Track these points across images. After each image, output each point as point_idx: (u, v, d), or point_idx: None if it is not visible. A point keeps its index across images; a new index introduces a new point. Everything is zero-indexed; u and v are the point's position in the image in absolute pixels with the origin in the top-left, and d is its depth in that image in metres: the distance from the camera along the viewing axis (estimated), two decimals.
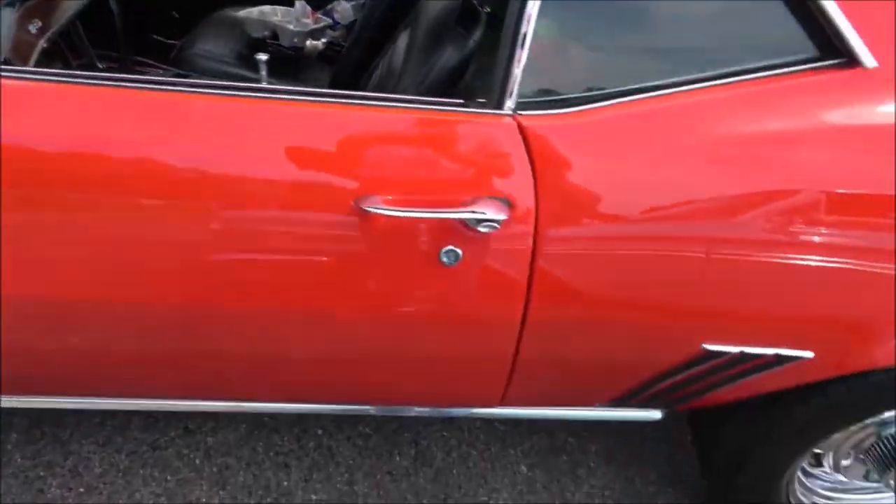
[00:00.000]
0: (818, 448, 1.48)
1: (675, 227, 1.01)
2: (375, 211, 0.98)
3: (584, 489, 1.74)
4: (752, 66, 0.99)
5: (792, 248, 1.02)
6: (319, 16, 2.14)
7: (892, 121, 0.99)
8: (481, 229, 0.98)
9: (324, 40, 2.12)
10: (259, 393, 1.38)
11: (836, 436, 1.40)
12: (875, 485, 1.53)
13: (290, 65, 2.04)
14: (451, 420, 1.85)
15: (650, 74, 1.00)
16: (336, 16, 2.18)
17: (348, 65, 1.81)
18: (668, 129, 1.00)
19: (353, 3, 2.16)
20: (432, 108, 1.01)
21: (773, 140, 1.00)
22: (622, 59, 1.02)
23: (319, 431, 1.79)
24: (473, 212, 0.98)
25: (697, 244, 1.03)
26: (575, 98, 0.99)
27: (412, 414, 1.49)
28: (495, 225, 0.97)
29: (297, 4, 2.06)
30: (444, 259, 1.03)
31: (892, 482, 1.40)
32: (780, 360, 1.09)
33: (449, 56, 1.20)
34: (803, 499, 1.51)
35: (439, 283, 1.05)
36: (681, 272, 1.04)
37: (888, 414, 1.38)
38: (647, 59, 1.03)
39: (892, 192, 0.99)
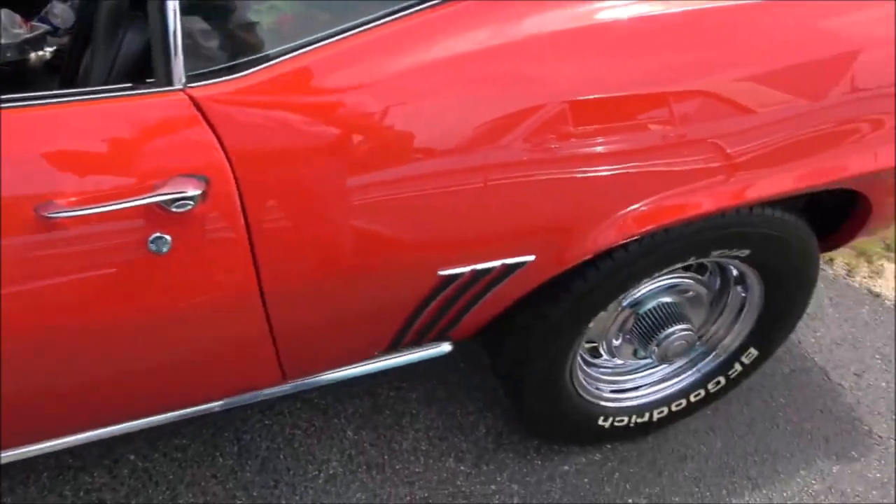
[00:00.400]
0: (591, 339, 1.63)
1: (383, 173, 1.05)
2: (60, 216, 0.93)
3: (410, 436, 1.80)
4: None
5: (498, 167, 1.09)
6: (35, 23, 1.96)
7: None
8: (178, 209, 0.96)
9: (49, 49, 1.95)
10: (43, 431, 1.29)
11: (602, 318, 1.55)
12: (646, 361, 1.71)
13: (16, 80, 1.87)
14: (272, 406, 1.84)
15: (319, 26, 1.02)
16: (55, 21, 2.01)
17: (71, 68, 1.69)
18: (346, 75, 1.02)
19: (69, 2, 2.00)
20: (102, 97, 0.96)
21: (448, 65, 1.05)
22: (286, 14, 1.03)
23: (132, 456, 1.71)
24: (166, 193, 0.95)
25: (411, 182, 1.07)
26: (246, 62, 0.99)
27: (216, 410, 1.45)
28: (190, 203, 0.96)
29: (2, 14, 1.88)
30: (154, 248, 0.99)
31: (654, 351, 1.57)
32: (509, 269, 1.17)
33: (130, 41, 1.15)
34: (590, 387, 1.66)
35: (160, 274, 1.02)
36: (402, 210, 1.08)
37: (636, 293, 1.55)
38: (313, 9, 1.04)
39: (568, 99, 1.09)
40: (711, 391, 1.76)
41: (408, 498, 1.67)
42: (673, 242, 1.32)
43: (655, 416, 1.76)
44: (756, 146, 1.18)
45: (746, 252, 1.42)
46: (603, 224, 1.14)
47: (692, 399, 1.76)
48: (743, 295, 1.65)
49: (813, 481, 1.78)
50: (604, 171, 1.11)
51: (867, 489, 1.77)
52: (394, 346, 1.32)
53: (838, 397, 1.99)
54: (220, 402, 1.41)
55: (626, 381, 1.72)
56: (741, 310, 1.68)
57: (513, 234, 1.13)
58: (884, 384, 2.04)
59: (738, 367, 1.73)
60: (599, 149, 1.09)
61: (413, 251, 1.12)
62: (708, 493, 1.73)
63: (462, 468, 1.74)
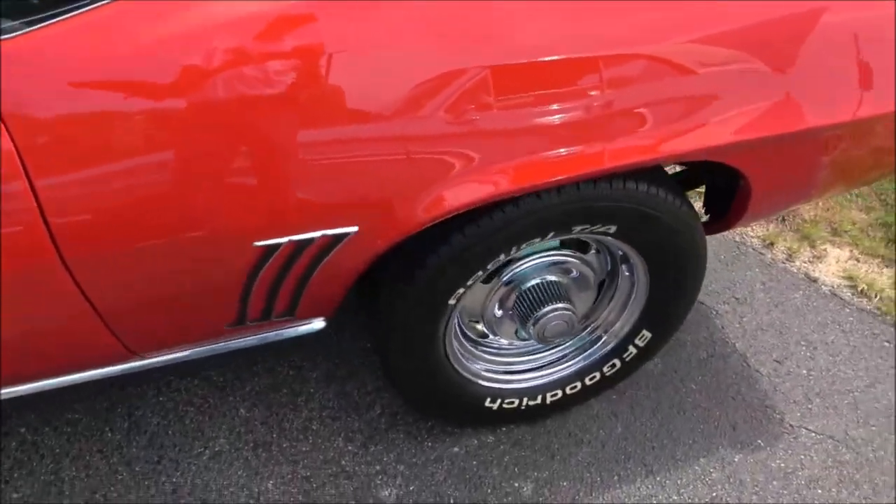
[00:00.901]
0: (475, 318, 1.60)
1: (177, 137, 1.02)
2: None
3: (304, 415, 1.78)
4: None
5: (315, 143, 1.06)
6: None
7: None
8: None
9: None
10: None
11: (478, 295, 1.53)
12: (531, 343, 1.67)
13: None
14: (169, 384, 1.83)
15: None
16: None
17: None
18: (102, 40, 0.99)
19: None
20: None
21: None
22: None
23: (22, 429, 1.72)
24: None
25: (211, 149, 1.04)
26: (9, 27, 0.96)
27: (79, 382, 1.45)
28: None
29: None
30: None
31: (532, 330, 1.53)
32: (333, 240, 1.14)
33: None
34: (473, 366, 1.62)
35: None
36: (205, 179, 1.04)
37: (516, 270, 1.51)
38: None
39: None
40: (607, 374, 1.71)
41: (289, 476, 1.65)
42: (526, 217, 1.27)
43: (549, 398, 1.72)
44: (595, 115, 1.13)
45: (614, 228, 1.37)
46: (423, 198, 1.10)
47: (588, 382, 1.72)
48: (628, 275, 1.59)
49: (712, 469, 1.72)
50: (420, 142, 1.07)
51: (768, 479, 1.71)
52: (240, 322, 1.30)
53: (754, 384, 1.93)
54: (79, 376, 1.41)
55: (516, 362, 1.68)
56: (631, 292, 1.63)
57: (330, 204, 1.09)
58: (804, 371, 1.98)
59: (632, 349, 1.68)
60: (415, 120, 1.05)
61: (226, 222, 1.09)
62: (599, 479, 1.69)
63: (350, 448, 1.72)
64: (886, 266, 2.36)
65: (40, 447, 1.68)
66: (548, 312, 1.50)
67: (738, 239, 2.41)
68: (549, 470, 1.70)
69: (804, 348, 2.04)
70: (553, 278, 1.54)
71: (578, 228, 1.35)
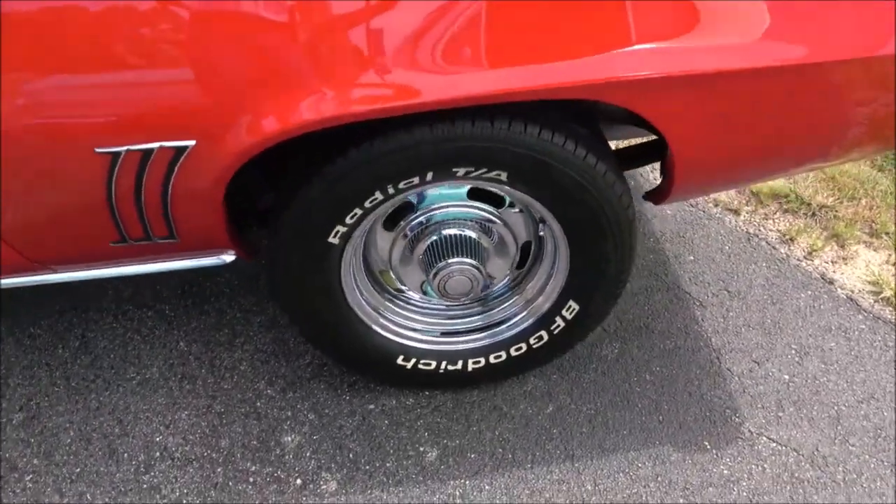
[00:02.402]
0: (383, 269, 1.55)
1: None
2: None
3: (236, 355, 1.80)
4: None
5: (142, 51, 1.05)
6: None
7: None
8: None
9: None
10: None
11: (381, 244, 1.47)
12: (443, 303, 1.59)
13: None
14: (126, 312, 1.91)
15: None
16: None
17: None
18: None
19: None
20: None
21: None
22: None
23: None
24: None
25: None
26: None
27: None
28: None
29: None
30: None
31: (433, 284, 1.45)
32: (173, 153, 1.13)
33: None
34: (382, 318, 1.56)
35: None
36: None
37: (421, 217, 1.44)
38: None
39: None
40: (534, 346, 1.59)
41: (204, 410, 1.68)
42: (397, 153, 1.21)
43: (471, 365, 1.62)
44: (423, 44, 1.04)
45: (504, 175, 1.27)
46: (242, 121, 1.07)
47: (513, 353, 1.60)
48: (550, 240, 1.47)
49: (641, 465, 1.55)
50: (244, 59, 1.04)
51: (703, 483, 1.52)
52: (123, 241, 1.33)
53: (720, 383, 1.72)
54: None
55: (432, 322, 1.60)
56: (554, 259, 1.51)
57: (161, 114, 1.09)
58: (786, 377, 1.73)
59: (560, 322, 1.55)
60: (230, 41, 1.03)
61: (69, 129, 1.11)
62: (510, 456, 1.57)
63: (269, 392, 1.71)
64: None
65: (0, 356, 1.82)
66: (450, 265, 1.42)
67: (751, 231, 2.17)
68: (461, 440, 1.61)
69: (794, 352, 1.79)
70: (464, 233, 1.45)
71: (462, 171, 1.27)
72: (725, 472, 1.55)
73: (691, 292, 1.97)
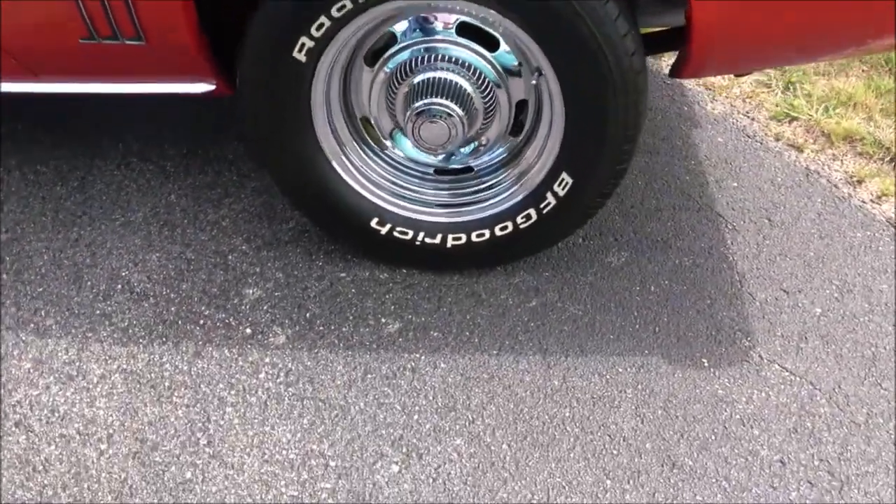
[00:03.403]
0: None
1: None
2: None
3: (222, 212, 1.73)
4: None
5: None
6: None
7: None
8: None
9: None
10: None
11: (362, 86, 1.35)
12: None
13: None
14: (129, 163, 1.89)
15: None
16: None
17: None
18: None
19: None
20: None
21: None
22: None
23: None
24: None
25: None
26: None
27: None
28: None
29: None
30: None
31: (408, 127, 1.31)
32: None
33: None
34: (357, 172, 1.44)
35: None
36: None
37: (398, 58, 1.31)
38: None
39: None
40: (521, 226, 1.42)
41: (175, 255, 1.61)
42: None
43: (450, 241, 1.47)
44: None
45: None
46: None
47: (497, 232, 1.44)
48: (534, 82, 1.30)
49: (622, 369, 1.35)
50: None
51: (690, 400, 1.30)
52: (91, 37, 1.28)
53: (737, 306, 1.49)
54: None
55: (412, 187, 1.47)
56: (550, 122, 1.33)
57: None
58: (818, 310, 1.48)
59: (550, 198, 1.37)
60: None
61: None
62: (476, 341, 1.41)
63: (243, 248, 1.63)
64: None
65: (3, 185, 1.84)
66: (429, 105, 1.28)
67: (812, 167, 1.89)
68: (428, 317, 1.46)
69: (834, 287, 1.53)
70: (451, 77, 1.31)
71: None
72: (720, 391, 1.33)
73: (725, 216, 1.73)
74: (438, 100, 1.28)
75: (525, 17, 1.17)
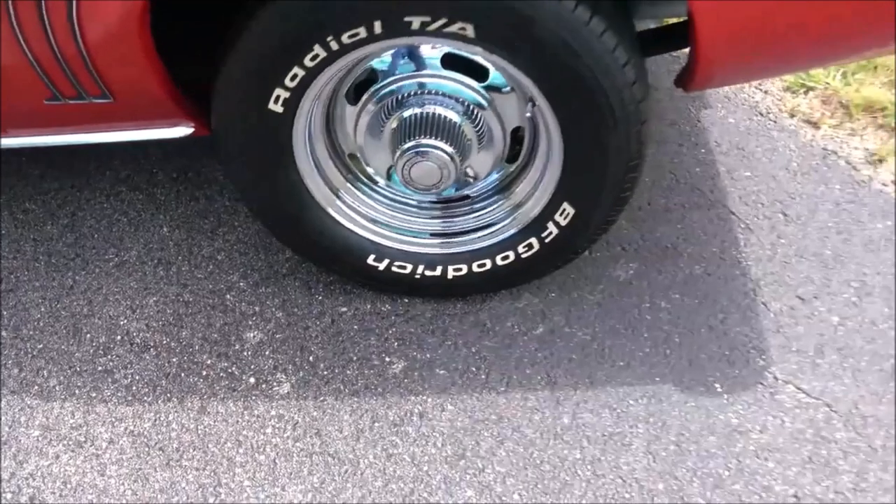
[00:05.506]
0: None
1: None
2: None
3: (216, 245, 1.68)
4: None
5: None
6: None
7: None
8: None
9: None
10: None
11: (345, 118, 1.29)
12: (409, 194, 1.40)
13: None
14: (118, 194, 1.84)
15: None
16: None
17: None
18: None
19: None
20: None
21: None
22: None
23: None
24: None
25: None
26: None
27: None
28: None
29: None
30: None
31: (398, 166, 1.25)
32: None
33: None
34: (349, 209, 1.39)
35: None
36: None
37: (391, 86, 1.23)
38: None
39: None
40: (523, 255, 1.37)
41: (173, 298, 1.58)
42: None
43: (451, 272, 1.42)
44: None
45: (470, 28, 1.02)
46: None
47: (499, 262, 1.39)
48: (528, 115, 1.22)
49: (633, 401, 1.32)
50: None
51: (703, 431, 1.27)
52: (56, 98, 1.21)
53: (751, 319, 1.44)
54: None
55: (402, 219, 1.42)
56: (548, 150, 1.26)
57: None
58: (835, 319, 1.42)
59: (552, 228, 1.31)
60: None
61: None
62: (483, 377, 1.38)
63: (241, 285, 1.59)
64: None
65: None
66: (418, 146, 1.21)
67: (830, 147, 1.79)
68: (433, 353, 1.43)
69: (853, 291, 1.47)
70: (439, 111, 1.23)
71: (417, 21, 1.03)
72: (734, 420, 1.30)
73: (739, 213, 1.66)
74: (427, 140, 1.21)
75: (514, 55, 1.08)
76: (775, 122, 1.89)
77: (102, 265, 1.68)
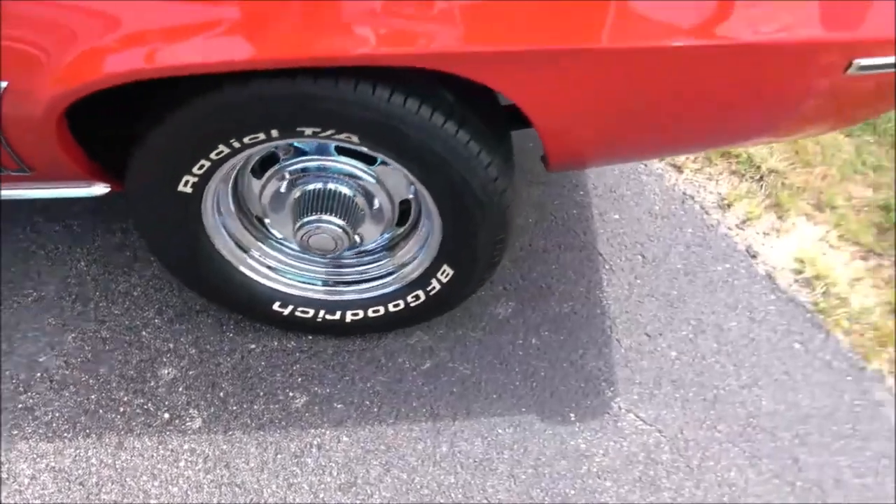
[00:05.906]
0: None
1: None
2: None
3: (132, 280, 1.80)
4: None
5: None
6: None
7: None
8: None
9: None
10: None
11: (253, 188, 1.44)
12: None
13: None
14: (35, 224, 1.90)
15: None
16: None
17: None
18: None
19: None
20: None
21: None
22: None
23: None
24: None
25: None
26: None
27: None
28: None
29: None
30: None
31: (296, 234, 1.41)
32: None
33: None
34: (253, 261, 1.55)
35: None
36: None
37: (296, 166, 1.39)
38: None
39: None
40: (412, 304, 1.57)
41: (90, 334, 1.71)
42: (230, 108, 1.14)
43: (349, 317, 1.61)
44: None
45: (356, 137, 1.19)
46: (49, 70, 1.01)
47: (391, 308, 1.59)
48: (411, 196, 1.41)
49: (502, 431, 1.56)
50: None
51: (557, 456, 1.53)
52: None
53: (606, 354, 1.69)
54: None
55: (310, 271, 1.59)
56: (430, 223, 1.45)
57: None
58: (673, 354, 1.70)
59: (436, 284, 1.51)
60: None
61: None
62: (375, 410, 1.59)
63: (156, 321, 1.73)
64: (861, 258, 1.92)
65: None
66: (315, 222, 1.38)
67: (688, 192, 2.06)
68: (332, 388, 1.63)
69: (690, 328, 1.75)
70: (333, 187, 1.40)
71: (309, 131, 1.19)
72: (582, 445, 1.55)
73: (605, 254, 1.90)
74: (324, 216, 1.37)
75: (395, 156, 1.25)
76: (645, 165, 2.14)
77: (21, 300, 1.77)
